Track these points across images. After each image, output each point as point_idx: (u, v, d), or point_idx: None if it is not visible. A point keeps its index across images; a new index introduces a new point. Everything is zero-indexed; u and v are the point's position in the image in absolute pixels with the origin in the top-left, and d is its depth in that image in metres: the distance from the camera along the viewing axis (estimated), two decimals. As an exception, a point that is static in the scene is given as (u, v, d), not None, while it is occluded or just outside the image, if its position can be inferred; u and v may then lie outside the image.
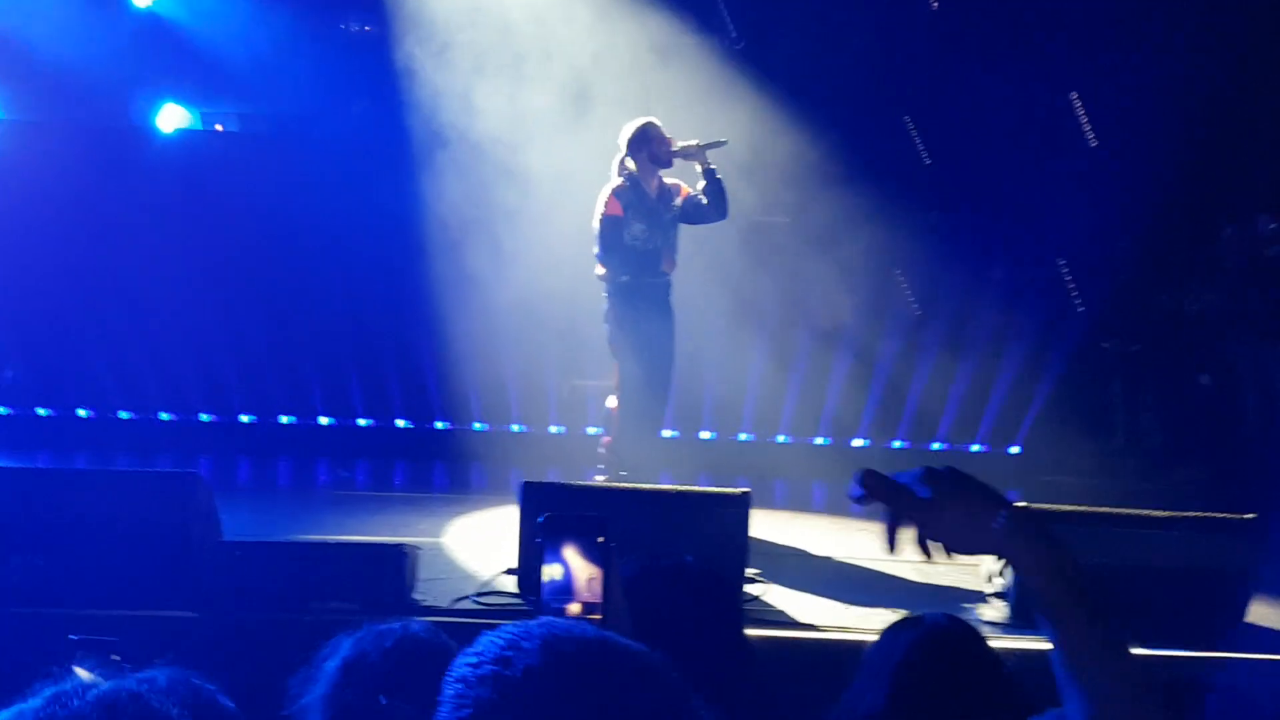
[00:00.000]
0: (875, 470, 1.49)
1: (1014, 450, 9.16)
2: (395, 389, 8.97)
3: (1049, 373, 9.04)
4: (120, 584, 4.44)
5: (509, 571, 4.96)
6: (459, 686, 1.18)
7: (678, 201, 6.41)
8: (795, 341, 9.00)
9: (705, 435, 9.06)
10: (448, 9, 8.21)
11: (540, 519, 1.85)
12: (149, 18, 9.37)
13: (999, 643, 4.10)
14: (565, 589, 1.76)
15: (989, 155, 9.02)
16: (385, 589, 4.53)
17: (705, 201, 6.35)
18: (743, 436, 9.09)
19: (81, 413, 8.94)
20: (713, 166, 6.33)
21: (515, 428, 8.98)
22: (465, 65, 8.07)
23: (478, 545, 5.85)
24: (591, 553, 1.81)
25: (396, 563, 4.59)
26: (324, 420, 9.05)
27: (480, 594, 4.83)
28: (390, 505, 7.16)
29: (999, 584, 5.11)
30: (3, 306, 8.76)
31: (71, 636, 1.96)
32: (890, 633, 2.30)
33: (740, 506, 4.93)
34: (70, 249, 8.69)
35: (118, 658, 2.08)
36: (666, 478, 7.34)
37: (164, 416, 8.97)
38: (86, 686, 1.43)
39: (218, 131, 9.73)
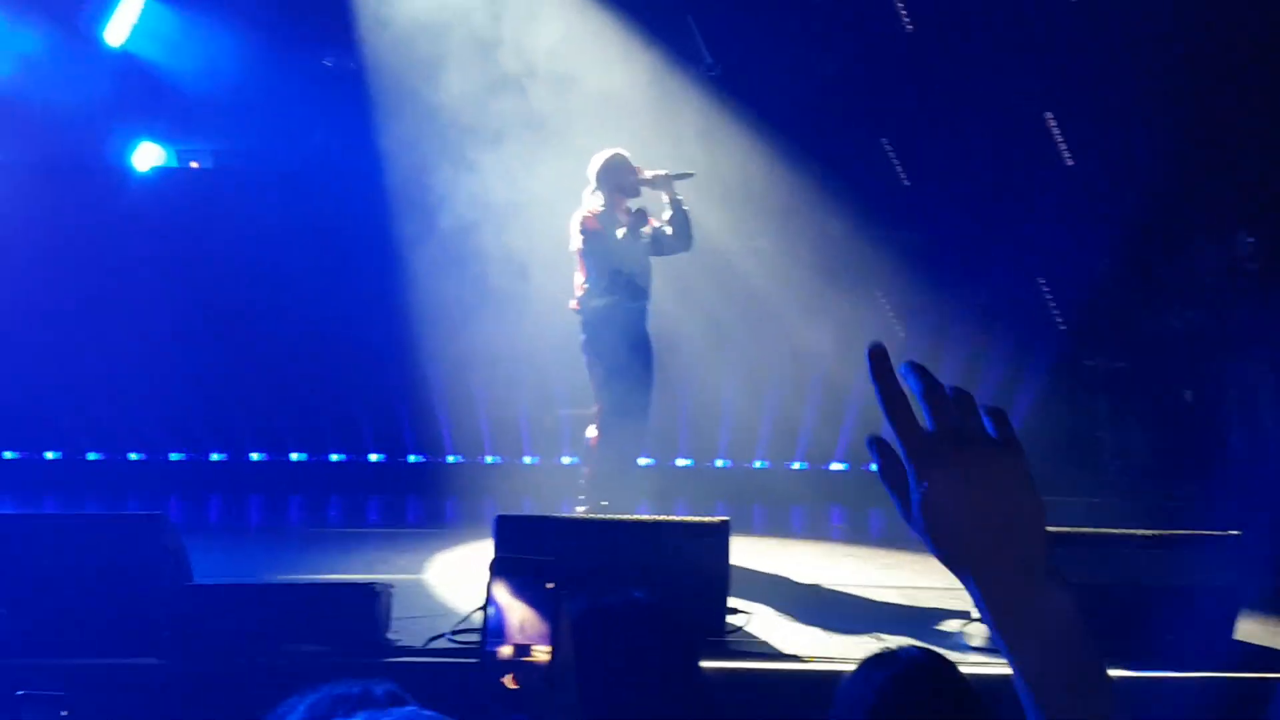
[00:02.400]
0: (882, 439, 1.16)
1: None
2: (367, 423, 8.89)
3: (1031, 392, 9.00)
4: (85, 631, 4.34)
5: (483, 608, 4.86)
6: None
7: (646, 230, 6.41)
8: (771, 365, 8.95)
9: (682, 462, 8.99)
10: (423, 41, 8.18)
11: (491, 561, 1.81)
12: (123, 56, 9.33)
13: (982, 669, 4.05)
14: (499, 630, 1.72)
15: (967, 176, 9.01)
16: (358, 630, 4.44)
17: (670, 231, 6.37)
18: (720, 463, 9.02)
19: (49, 454, 8.84)
20: (679, 197, 6.35)
21: (489, 459, 8.91)
22: (441, 99, 8.04)
23: (453, 581, 5.77)
24: (535, 595, 1.77)
25: (369, 603, 4.49)
26: (296, 456, 8.96)
27: (455, 632, 4.73)
28: (365, 541, 7.07)
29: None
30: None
31: (19, 692, 1.88)
32: (864, 670, 2.23)
33: (719, 535, 4.86)
34: (40, 288, 8.62)
35: (66, 714, 2.01)
36: (645, 506, 7.26)
37: (133, 456, 8.88)
38: None
39: (193, 169, 9.68)
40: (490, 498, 8.09)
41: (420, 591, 5.58)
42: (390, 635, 4.62)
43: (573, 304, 6.42)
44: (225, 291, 8.72)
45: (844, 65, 9.18)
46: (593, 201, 6.37)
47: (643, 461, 8.21)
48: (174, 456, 8.93)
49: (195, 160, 9.85)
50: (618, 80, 8.43)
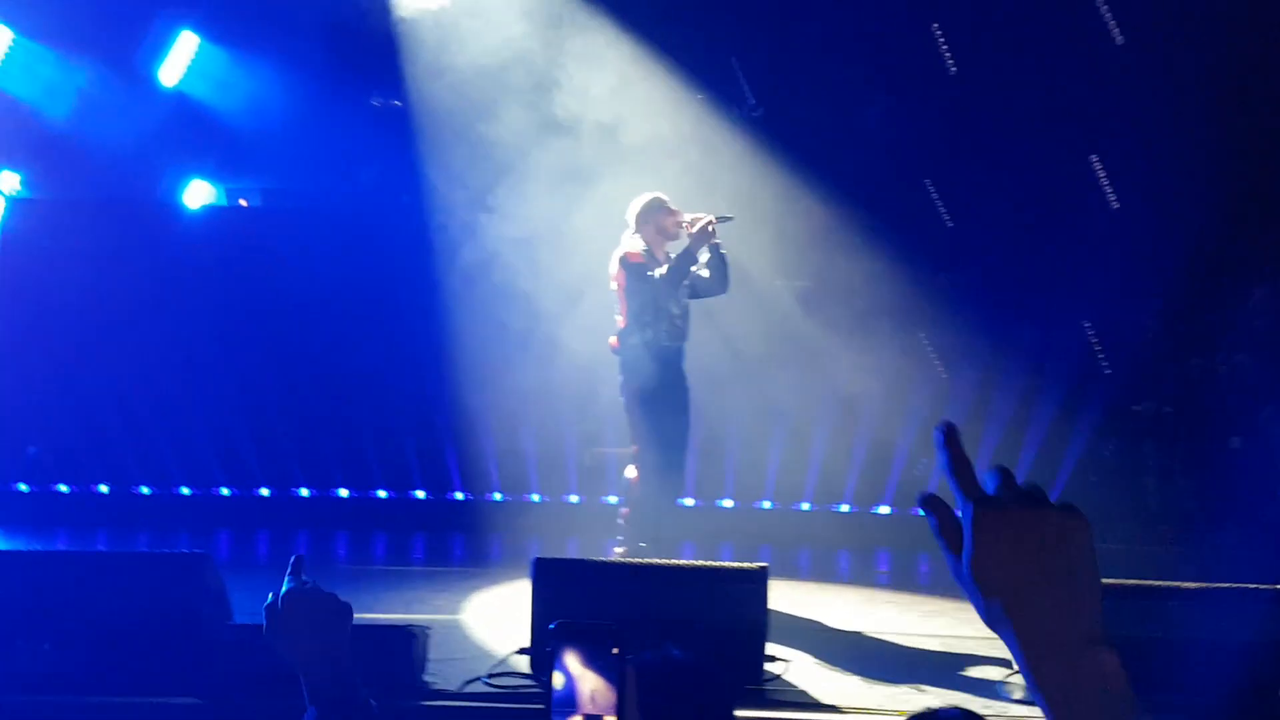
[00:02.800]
0: (937, 496, 1.18)
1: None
2: (413, 460, 8.94)
3: (1074, 435, 8.90)
4: (127, 669, 4.38)
5: (521, 651, 4.86)
6: None
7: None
8: (817, 408, 8.91)
9: (726, 503, 8.96)
10: (467, 83, 8.29)
11: (552, 625, 1.79)
12: (176, 96, 9.52)
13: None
14: (569, 700, 1.71)
15: (1012, 218, 8.97)
16: (395, 672, 4.45)
17: (707, 275, 6.39)
18: (765, 504, 8.97)
19: (102, 488, 8.96)
20: (717, 241, 6.36)
21: (534, 497, 8.92)
22: (487, 140, 8.14)
23: (492, 622, 5.76)
24: (602, 663, 1.76)
25: (405, 645, 4.50)
26: (343, 493, 9.02)
27: (492, 675, 4.73)
28: (407, 580, 7.08)
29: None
30: (28, 383, 8.81)
31: None
32: None
33: (758, 582, 4.83)
34: (93, 325, 8.77)
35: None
36: (687, 547, 7.25)
37: (184, 491, 8.97)
38: None
39: (242, 207, 9.84)
40: (534, 536, 8.11)
41: (458, 632, 5.58)
42: (427, 678, 4.62)
43: (612, 341, 6.43)
44: (272, 328, 8.82)
45: (888, 107, 9.21)
46: (632, 243, 6.41)
47: (686, 502, 8.23)
48: (223, 491, 9.01)
49: (244, 198, 10.01)
50: (664, 124, 8.49)
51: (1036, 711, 1.10)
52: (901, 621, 6.26)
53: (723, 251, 6.39)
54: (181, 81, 9.58)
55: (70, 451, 8.83)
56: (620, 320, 6.39)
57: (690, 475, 8.65)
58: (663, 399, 6.32)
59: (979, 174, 9.05)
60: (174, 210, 9.62)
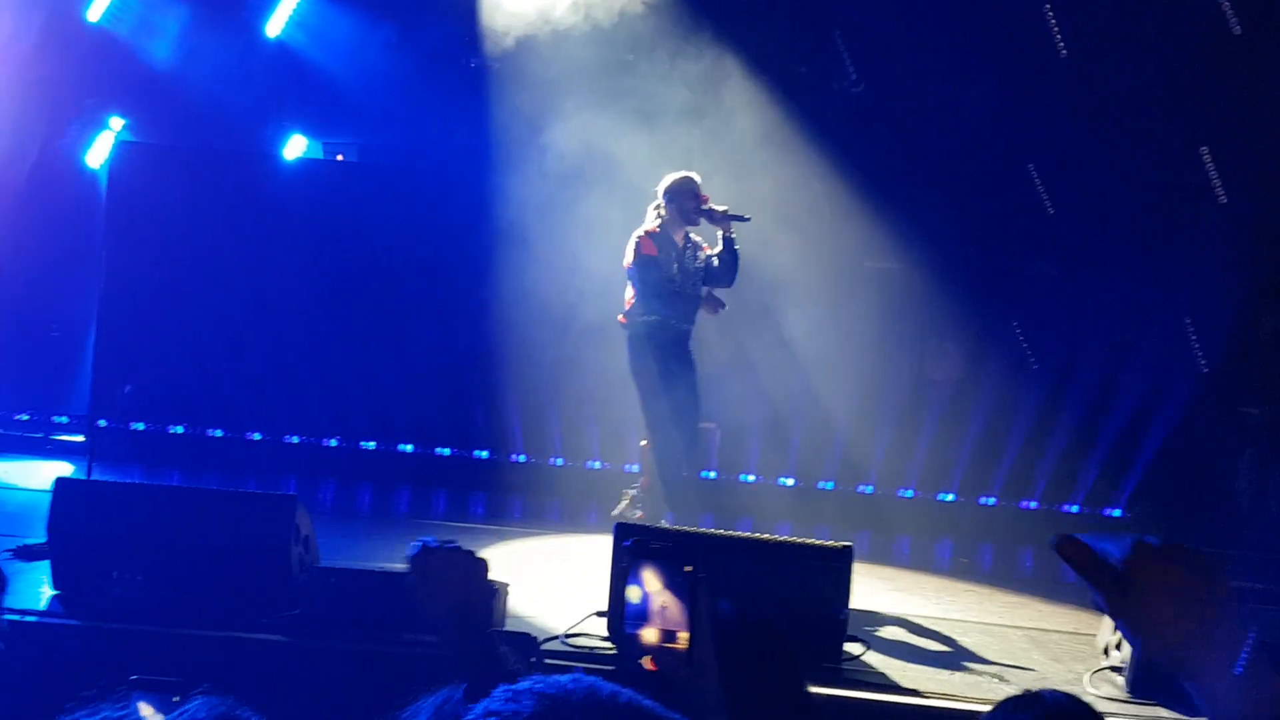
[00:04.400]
0: (1075, 538, 1.27)
1: (1115, 514, 8.80)
2: (479, 420, 8.97)
3: (1165, 434, 8.68)
4: (216, 603, 4.46)
5: (599, 614, 4.85)
6: None
7: (701, 255, 6.61)
8: (891, 391, 8.81)
9: (787, 482, 8.88)
10: (558, 51, 8.31)
11: (627, 542, 1.80)
12: (279, 47, 9.62)
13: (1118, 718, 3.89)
14: (642, 613, 1.73)
15: (1115, 207, 8.74)
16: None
17: (717, 264, 6.56)
18: (826, 485, 8.89)
19: (215, 432, 9.14)
20: (732, 235, 6.52)
21: (595, 464, 8.94)
22: (572, 104, 8.14)
23: (563, 583, 5.76)
24: (675, 580, 1.77)
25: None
26: (406, 448, 9.07)
27: (569, 635, 4.73)
28: (473, 536, 7.11)
29: (1117, 658, 4.84)
30: (131, 322, 9.00)
31: (132, 677, 1.91)
32: (1004, 712, 2.13)
33: (842, 561, 4.76)
34: (195, 269, 8.92)
35: (178, 699, 2.04)
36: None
37: (255, 436, 9.12)
38: None
39: (338, 161, 9.93)
40: (596, 501, 8.17)
41: (528, 591, 5.59)
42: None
43: (621, 318, 6.60)
44: (359, 283, 8.91)
45: (992, 88, 9.00)
46: (652, 220, 6.52)
47: (787, 482, 8.21)
48: (331, 442, 9.10)
49: (341, 153, 10.10)
50: (758, 94, 8.42)
51: (1122, 709, 1.19)
52: (981, 611, 6.16)
53: (736, 248, 6.54)
54: (284, 32, 9.68)
55: (167, 392, 8.99)
56: (630, 298, 6.54)
57: (792, 457, 8.64)
58: (672, 376, 6.48)
59: (1083, 162, 8.82)
60: (273, 161, 9.73)
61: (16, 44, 9.04)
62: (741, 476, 8.90)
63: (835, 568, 4.75)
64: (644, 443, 6.66)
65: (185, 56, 9.29)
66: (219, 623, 4.33)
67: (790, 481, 8.88)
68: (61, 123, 9.45)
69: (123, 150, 9.39)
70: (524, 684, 1.21)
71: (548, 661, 4.44)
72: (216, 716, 1.64)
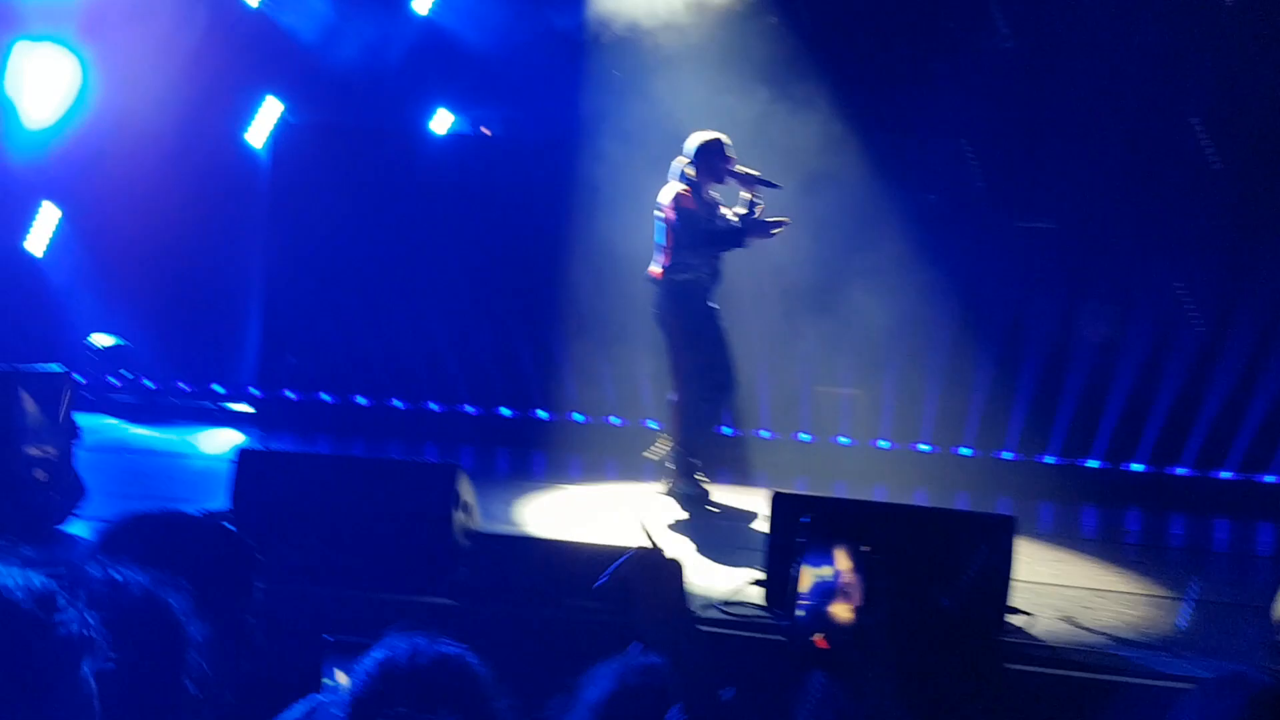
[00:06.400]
0: None
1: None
2: (609, 386, 9.00)
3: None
4: (385, 567, 4.62)
5: (757, 583, 4.86)
6: None
7: (731, 215, 6.76)
8: (1061, 354, 8.51)
9: (924, 448, 8.64)
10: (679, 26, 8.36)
11: (804, 519, 1.83)
12: (428, 24, 9.78)
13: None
14: (820, 591, 1.74)
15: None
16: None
17: (738, 224, 6.71)
18: (1006, 455, 8.60)
19: (360, 399, 9.44)
20: (757, 200, 6.67)
21: (764, 434, 8.86)
22: (686, 78, 8.14)
23: (710, 551, 5.73)
24: (850, 558, 1.79)
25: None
26: (541, 414, 9.16)
27: (727, 604, 4.76)
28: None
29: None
30: (290, 296, 9.33)
31: (326, 637, 1.99)
32: (1208, 694, 2.02)
33: (1005, 531, 4.68)
34: (350, 245, 9.19)
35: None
36: (920, 494, 7.11)
37: (399, 405, 9.33)
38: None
39: (485, 135, 10.06)
40: (762, 471, 8.14)
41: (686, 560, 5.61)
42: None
43: (655, 271, 6.71)
44: (501, 256, 9.06)
45: (1153, 36, 8.59)
46: (682, 176, 6.62)
47: (923, 448, 8.11)
48: (470, 409, 9.26)
49: (486, 127, 10.22)
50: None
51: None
52: (1147, 582, 5.96)
53: (757, 212, 6.68)
54: (432, 9, 9.83)
55: (330, 363, 9.29)
56: (664, 255, 6.65)
57: (928, 423, 8.48)
58: (703, 333, 6.70)
59: (1253, 114, 8.38)
60: (425, 136, 9.92)
61: (183, 33, 9.39)
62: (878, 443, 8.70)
63: (998, 538, 4.67)
64: (674, 397, 6.81)
65: (338, 37, 9.52)
66: (389, 585, 4.48)
67: (926, 447, 8.67)
68: (225, 105, 9.79)
69: (284, 129, 9.71)
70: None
71: (706, 630, 4.48)
72: (425, 655, 1.69)
